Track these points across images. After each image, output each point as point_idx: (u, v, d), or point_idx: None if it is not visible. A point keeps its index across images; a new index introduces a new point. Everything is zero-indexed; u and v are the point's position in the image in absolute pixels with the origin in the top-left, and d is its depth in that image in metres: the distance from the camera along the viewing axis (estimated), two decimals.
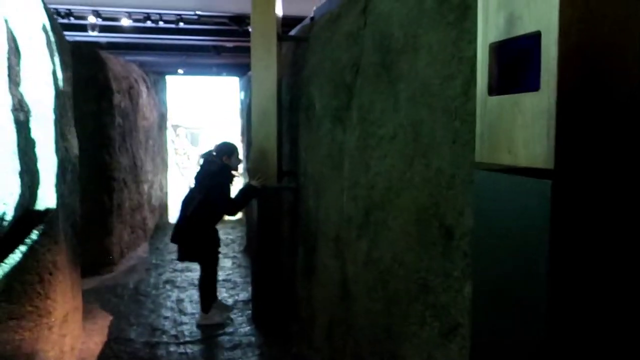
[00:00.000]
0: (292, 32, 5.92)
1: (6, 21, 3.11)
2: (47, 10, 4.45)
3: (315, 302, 4.36)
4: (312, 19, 5.16)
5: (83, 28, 8.44)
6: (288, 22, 6.36)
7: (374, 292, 2.94)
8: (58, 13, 8.10)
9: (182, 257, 5.49)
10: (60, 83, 4.47)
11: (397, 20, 2.77)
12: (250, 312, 5.57)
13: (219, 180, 5.27)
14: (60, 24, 7.67)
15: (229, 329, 5.23)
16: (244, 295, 6.21)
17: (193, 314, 5.62)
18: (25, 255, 4.04)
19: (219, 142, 5.87)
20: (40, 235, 4.11)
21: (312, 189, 4.52)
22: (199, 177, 5.47)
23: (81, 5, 7.91)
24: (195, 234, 5.27)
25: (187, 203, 5.37)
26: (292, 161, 5.26)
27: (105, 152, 7.38)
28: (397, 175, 2.69)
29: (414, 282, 2.44)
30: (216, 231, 5.46)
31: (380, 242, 2.88)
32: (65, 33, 8.43)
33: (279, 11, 5.37)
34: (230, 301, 5.98)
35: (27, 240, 4.07)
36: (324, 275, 4.13)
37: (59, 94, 4.37)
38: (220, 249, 5.62)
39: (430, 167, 2.34)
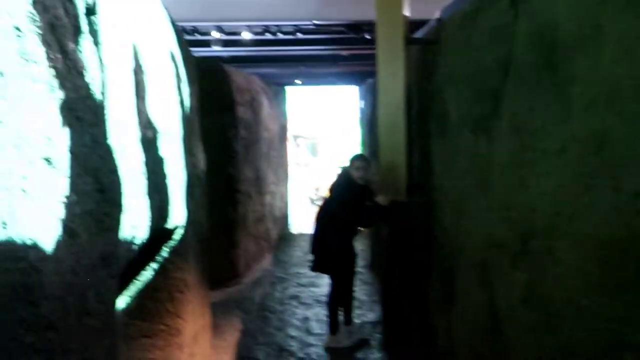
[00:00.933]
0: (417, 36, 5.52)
1: (133, 38, 3.03)
2: (174, 26, 4.43)
3: (455, 333, 3.90)
4: (439, 20, 4.73)
5: (207, 43, 8.66)
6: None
7: (539, 337, 2.45)
8: (185, 30, 8.38)
9: (315, 268, 5.27)
10: (187, 98, 4.42)
11: (566, 8, 2.28)
12: (379, 335, 5.21)
13: (346, 193, 5.01)
14: (186, 40, 7.87)
15: (358, 355, 4.90)
16: (371, 315, 5.87)
17: (320, 334, 5.37)
18: (156, 273, 4.00)
19: (354, 153, 5.63)
20: (170, 253, 4.07)
21: (448, 206, 4.08)
22: (333, 189, 5.27)
23: (205, 21, 8.11)
24: (330, 245, 5.05)
25: (321, 214, 5.19)
26: (422, 174, 4.85)
27: (229, 165, 7.42)
28: (569, 197, 2.20)
29: (602, 333, 1.94)
30: (351, 244, 5.16)
31: (546, 277, 2.39)
32: (191, 49, 8.71)
33: (406, 12, 4.99)
34: (356, 321, 5.67)
35: (158, 258, 4.04)
36: (465, 304, 3.67)
37: (185, 110, 4.32)
38: (357, 266, 5.31)
39: (620, 189, 1.85)
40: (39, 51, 1.80)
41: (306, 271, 7.79)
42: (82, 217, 2.04)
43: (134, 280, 3.88)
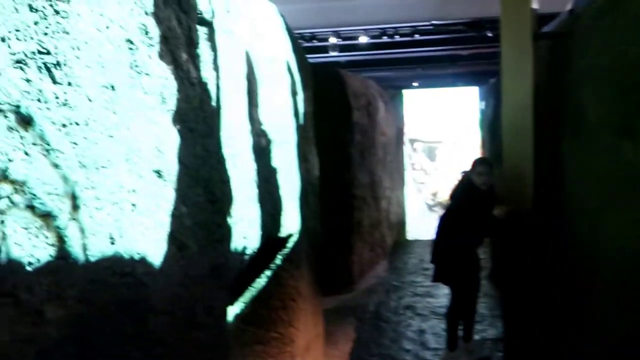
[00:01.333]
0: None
1: (247, 47, 3.02)
2: (289, 32, 4.42)
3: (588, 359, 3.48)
4: (571, 11, 4.28)
5: (325, 49, 8.71)
6: None
7: None
8: (303, 37, 8.51)
9: (435, 278, 5.01)
10: (301, 105, 4.39)
11: None
12: (500, 354, 4.84)
13: (467, 200, 4.71)
14: (304, 47, 7.98)
15: None
16: (492, 332, 5.49)
17: (436, 349, 5.11)
18: (270, 280, 4.00)
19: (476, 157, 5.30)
20: (283, 261, 4.04)
21: (583, 217, 3.66)
22: (453, 195, 4.99)
23: (323, 27, 8.16)
24: (451, 255, 4.77)
25: (441, 221, 4.93)
26: (551, 181, 4.42)
27: (344, 170, 7.35)
28: None
29: None
30: (475, 254, 4.84)
31: None
32: (309, 55, 8.82)
33: (535, 5, 4.58)
34: (476, 338, 5.32)
35: (272, 265, 4.03)
36: (600, 329, 3.25)
37: (300, 116, 4.29)
38: (481, 278, 4.97)
39: None
40: (151, 63, 1.80)
41: (422, 280, 7.51)
42: (192, 229, 2.02)
43: (249, 288, 3.91)
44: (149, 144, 1.74)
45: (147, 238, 1.68)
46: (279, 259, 4.02)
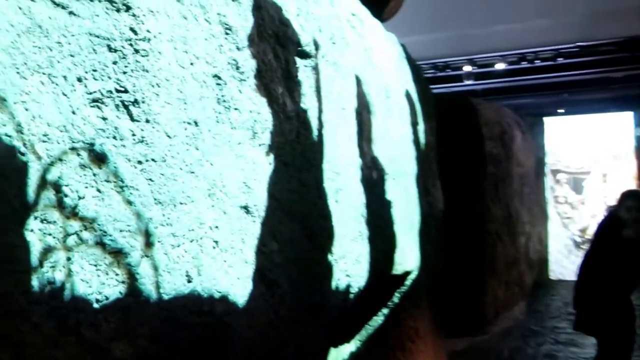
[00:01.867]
0: None
1: (357, 78, 2.96)
2: (410, 62, 4.30)
3: None
4: None
5: (459, 78, 8.48)
6: None
7: None
8: (436, 67, 8.38)
9: (577, 326, 4.46)
10: (422, 136, 4.22)
11: None
12: None
13: (615, 238, 4.16)
14: (437, 77, 7.82)
15: None
16: None
17: None
18: (387, 318, 3.83)
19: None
20: (401, 299, 3.86)
21: None
22: (600, 231, 4.46)
23: (458, 56, 7.97)
24: (598, 300, 4.22)
25: (586, 261, 4.40)
26: None
27: (475, 203, 6.95)
28: None
29: None
30: (627, 301, 4.23)
31: None
32: (442, 85, 8.63)
33: None
34: None
35: (389, 303, 3.87)
36: None
37: (420, 148, 4.12)
38: (636, 330, 4.35)
39: None
40: (242, 97, 1.78)
41: (566, 326, 6.78)
42: (285, 266, 1.95)
43: (365, 326, 3.77)
44: (235, 179, 1.71)
45: (230, 276, 1.64)
46: (396, 297, 3.84)
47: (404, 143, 3.71)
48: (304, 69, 2.25)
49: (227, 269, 1.63)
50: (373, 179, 3.06)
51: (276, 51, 2.03)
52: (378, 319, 3.81)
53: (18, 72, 1.09)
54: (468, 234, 6.77)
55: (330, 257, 2.36)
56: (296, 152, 2.10)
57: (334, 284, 2.40)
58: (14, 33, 1.09)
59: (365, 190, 2.90)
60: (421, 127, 4.18)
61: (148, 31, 1.39)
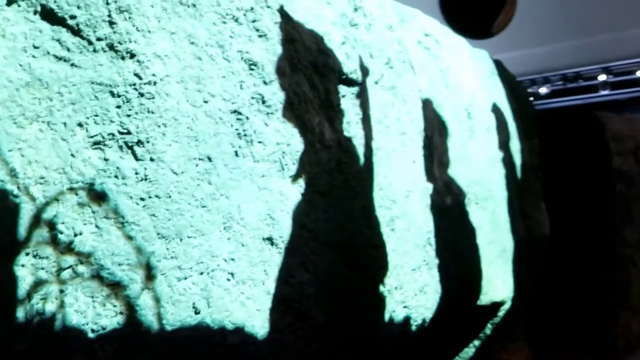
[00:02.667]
0: None
1: (426, 101, 2.87)
2: (505, 79, 4.08)
3: None
4: None
5: (594, 89, 7.90)
6: None
7: None
8: (565, 78, 7.89)
9: None
10: (518, 156, 3.96)
11: None
12: None
13: None
14: (567, 89, 7.33)
15: None
16: None
17: None
18: (478, 350, 3.62)
19: None
20: (493, 330, 3.62)
21: None
22: None
23: (590, 65, 7.45)
24: None
25: None
26: None
27: (601, 226, 6.33)
28: None
29: None
30: None
31: None
32: (574, 97, 8.06)
33: None
34: None
35: (481, 335, 3.65)
36: None
37: (514, 169, 3.86)
38: None
39: None
40: (267, 130, 1.82)
41: None
42: (318, 297, 1.94)
43: (456, 357, 3.60)
44: (257, 212, 1.74)
45: (248, 307, 1.66)
46: (488, 328, 3.62)
47: (491, 165, 3.51)
48: (349, 97, 2.24)
49: (244, 301, 1.65)
50: (446, 204, 2.93)
51: (313, 81, 2.05)
52: (469, 351, 3.62)
53: (15, 122, 1.22)
54: (592, 260, 6.17)
55: (382, 288, 2.29)
56: (336, 181, 2.08)
57: (387, 315, 2.32)
58: (12, 88, 1.22)
59: (435, 217, 2.78)
60: (516, 146, 3.93)
61: (154, 75, 1.47)
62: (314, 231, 1.95)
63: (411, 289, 2.49)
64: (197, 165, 1.57)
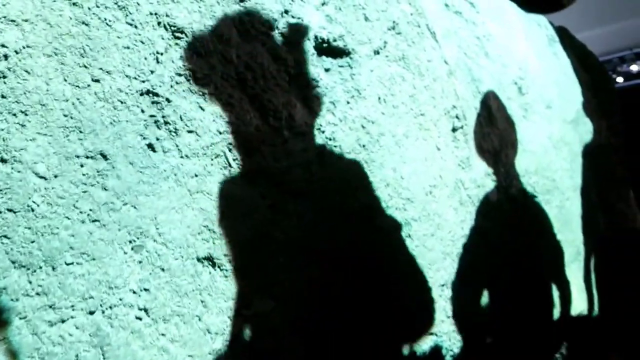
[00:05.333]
0: None
1: (457, 74, 2.31)
2: (573, 48, 3.41)
3: None
4: None
5: None
6: None
7: None
8: None
9: None
10: (592, 137, 3.28)
11: None
12: None
13: None
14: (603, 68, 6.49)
15: None
16: None
17: None
18: None
19: None
20: (569, 351, 2.99)
21: None
22: None
23: None
24: None
25: None
26: None
27: None
28: None
29: None
30: None
31: None
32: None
33: None
34: None
35: (557, 355, 3.03)
36: None
37: (589, 152, 3.19)
38: None
39: None
40: (201, 116, 1.38)
41: None
42: (290, 334, 1.46)
43: None
44: (186, 223, 1.30)
45: (173, 354, 1.22)
46: (564, 349, 2.99)
47: (554, 149, 2.89)
48: (335, 71, 1.75)
49: (165, 345, 1.21)
50: (491, 200, 2.36)
51: (276, 51, 1.59)
52: None
53: None
54: None
55: (394, 315, 1.77)
56: (315, 179, 1.60)
57: (406, 350, 1.80)
58: None
59: (477, 217, 2.23)
60: (588, 126, 3.25)
61: (3, 46, 1.08)
62: (283, 242, 1.48)
63: (440, 309, 1.95)
64: (81, 166, 1.16)
